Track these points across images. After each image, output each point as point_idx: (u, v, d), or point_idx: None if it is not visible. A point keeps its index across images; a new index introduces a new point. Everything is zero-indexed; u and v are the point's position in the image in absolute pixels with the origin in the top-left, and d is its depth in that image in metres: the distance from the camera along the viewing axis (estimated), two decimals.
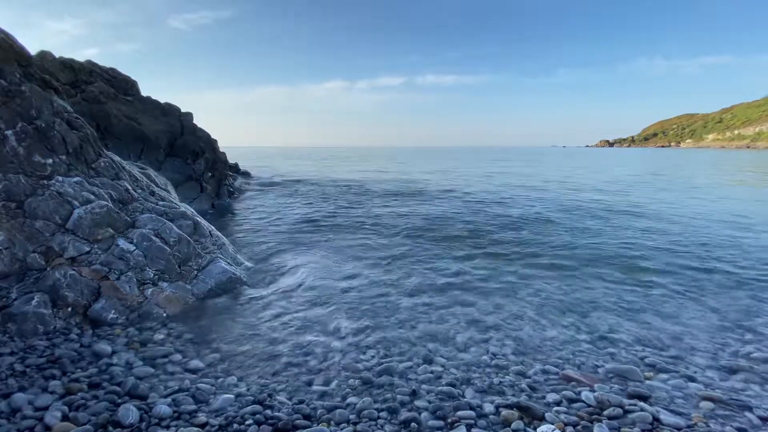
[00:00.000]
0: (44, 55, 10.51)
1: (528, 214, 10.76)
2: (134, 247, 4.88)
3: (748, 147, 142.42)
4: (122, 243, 4.84)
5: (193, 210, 6.47)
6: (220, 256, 5.81)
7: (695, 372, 3.45)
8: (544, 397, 3.07)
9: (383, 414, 2.85)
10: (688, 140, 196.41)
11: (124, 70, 12.63)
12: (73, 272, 4.33)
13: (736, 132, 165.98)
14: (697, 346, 3.90)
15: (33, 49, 5.35)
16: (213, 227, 6.42)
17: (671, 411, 2.90)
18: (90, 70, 11.62)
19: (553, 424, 2.72)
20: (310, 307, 4.77)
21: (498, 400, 3.01)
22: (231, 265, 5.76)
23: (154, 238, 5.10)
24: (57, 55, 11.05)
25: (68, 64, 11.17)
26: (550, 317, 4.50)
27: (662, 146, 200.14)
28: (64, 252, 4.44)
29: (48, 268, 4.28)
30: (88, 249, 4.59)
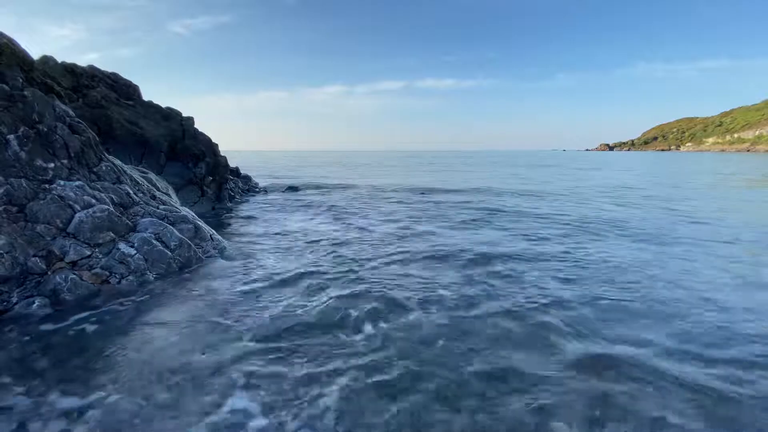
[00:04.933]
0: (46, 60, 10.58)
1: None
2: (135, 251, 4.88)
3: (749, 150, 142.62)
4: (123, 247, 4.84)
5: (193, 214, 6.48)
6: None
7: None
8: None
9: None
10: (688, 144, 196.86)
11: (124, 74, 12.71)
12: (74, 276, 4.33)
13: (735, 135, 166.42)
14: None
15: (34, 53, 5.38)
16: (214, 231, 6.43)
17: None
18: (92, 74, 11.69)
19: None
20: (311, 308, 4.76)
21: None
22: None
23: (154, 241, 5.10)
24: (58, 60, 11.12)
25: (70, 69, 11.24)
26: None
27: (662, 150, 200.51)
28: (65, 256, 4.45)
29: (49, 272, 4.28)
30: (89, 253, 4.60)
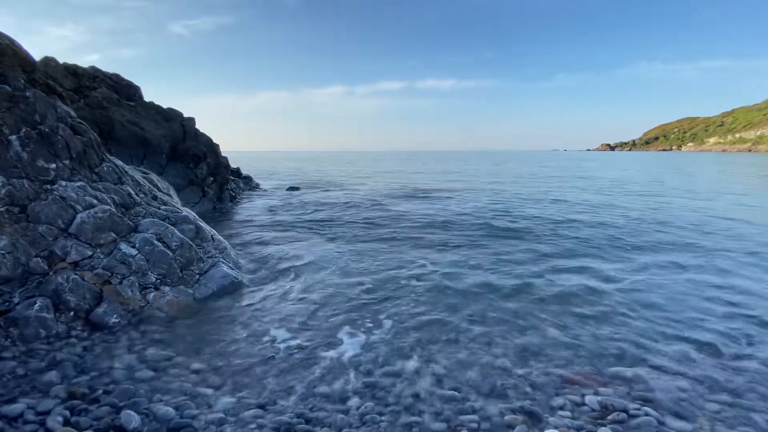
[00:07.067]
0: (48, 61, 10.61)
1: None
2: (136, 252, 4.88)
3: (750, 150, 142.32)
4: (124, 247, 4.85)
5: (195, 214, 6.48)
6: (222, 260, 5.81)
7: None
8: (548, 401, 3.05)
9: (386, 417, 2.83)
10: (689, 144, 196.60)
11: (126, 75, 12.73)
12: (76, 276, 4.33)
13: (737, 135, 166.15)
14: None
15: (35, 54, 5.39)
16: (215, 231, 6.43)
17: (676, 414, 2.87)
18: (93, 75, 11.71)
19: (557, 429, 2.70)
20: (311, 310, 4.77)
21: (501, 403, 2.99)
22: (233, 269, 5.76)
23: (156, 242, 5.11)
24: (60, 61, 11.15)
25: (72, 70, 11.26)
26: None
27: (663, 149, 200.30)
28: (66, 256, 4.45)
29: (50, 273, 4.29)
30: (90, 253, 4.60)
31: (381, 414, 2.86)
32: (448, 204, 13.71)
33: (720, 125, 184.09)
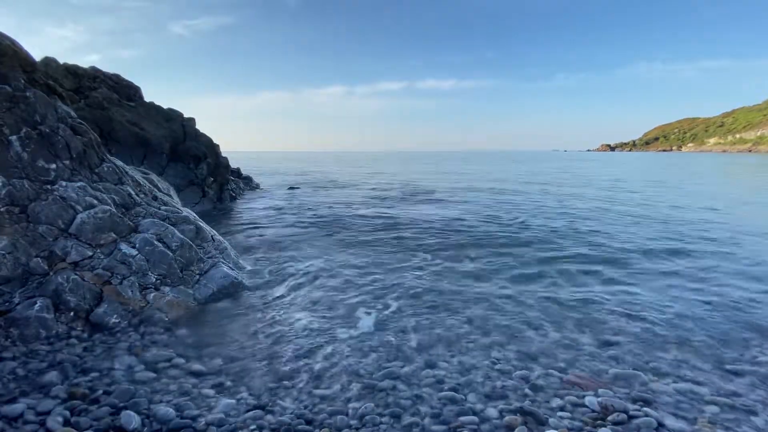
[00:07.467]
0: (49, 62, 10.61)
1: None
2: (136, 252, 4.88)
3: (750, 151, 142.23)
4: (124, 248, 4.85)
5: (195, 214, 6.48)
6: (222, 260, 5.81)
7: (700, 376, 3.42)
8: (547, 402, 3.05)
9: (385, 419, 2.83)
10: (689, 144, 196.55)
11: (126, 75, 12.74)
12: (76, 277, 4.33)
13: (737, 136, 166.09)
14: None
15: (36, 55, 5.40)
16: (215, 232, 6.43)
17: (676, 416, 2.87)
18: (94, 76, 11.72)
19: (556, 429, 2.70)
20: (312, 310, 4.77)
21: (501, 404, 2.99)
22: (233, 269, 5.76)
23: (156, 242, 5.11)
24: (60, 61, 11.15)
25: (72, 71, 11.27)
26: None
27: (664, 150, 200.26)
28: (66, 256, 4.45)
29: (50, 273, 4.29)
30: (90, 253, 4.60)
31: (381, 415, 2.87)
32: (450, 204, 13.71)
33: (720, 126, 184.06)
